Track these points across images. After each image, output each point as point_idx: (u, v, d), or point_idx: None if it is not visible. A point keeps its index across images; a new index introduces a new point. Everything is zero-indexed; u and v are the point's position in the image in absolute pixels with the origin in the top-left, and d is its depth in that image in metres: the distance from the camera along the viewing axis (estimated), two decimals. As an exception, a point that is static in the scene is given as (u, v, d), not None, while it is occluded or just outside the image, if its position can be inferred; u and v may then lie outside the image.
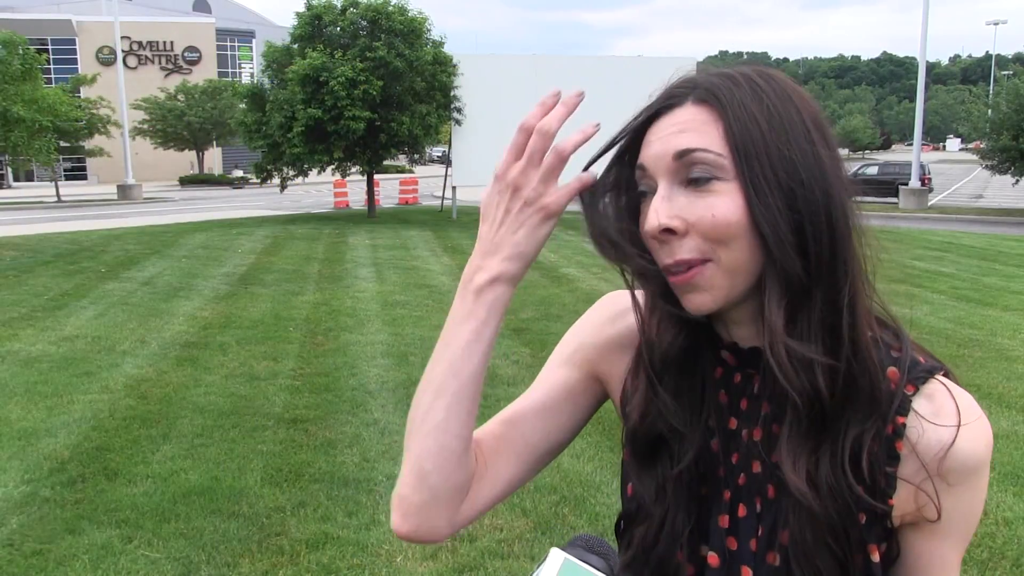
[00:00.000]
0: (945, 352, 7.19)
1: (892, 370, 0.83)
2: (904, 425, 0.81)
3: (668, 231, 0.78)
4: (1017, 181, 25.48)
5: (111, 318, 8.79)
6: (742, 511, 0.85)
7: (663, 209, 0.78)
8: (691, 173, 0.78)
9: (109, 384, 6.26)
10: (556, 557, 0.72)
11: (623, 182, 0.86)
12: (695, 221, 0.77)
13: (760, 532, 0.84)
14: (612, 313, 0.97)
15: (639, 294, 0.90)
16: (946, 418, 0.80)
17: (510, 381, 6.27)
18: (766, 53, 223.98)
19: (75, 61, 49.59)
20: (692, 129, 0.78)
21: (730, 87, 0.79)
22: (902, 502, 0.81)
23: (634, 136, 0.84)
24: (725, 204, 0.76)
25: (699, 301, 0.80)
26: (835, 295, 0.79)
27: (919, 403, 0.81)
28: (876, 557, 0.82)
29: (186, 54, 53.84)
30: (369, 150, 21.25)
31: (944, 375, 0.84)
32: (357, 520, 3.96)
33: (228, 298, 10.04)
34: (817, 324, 0.79)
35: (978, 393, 5.94)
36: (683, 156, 0.78)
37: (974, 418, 0.81)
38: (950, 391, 0.82)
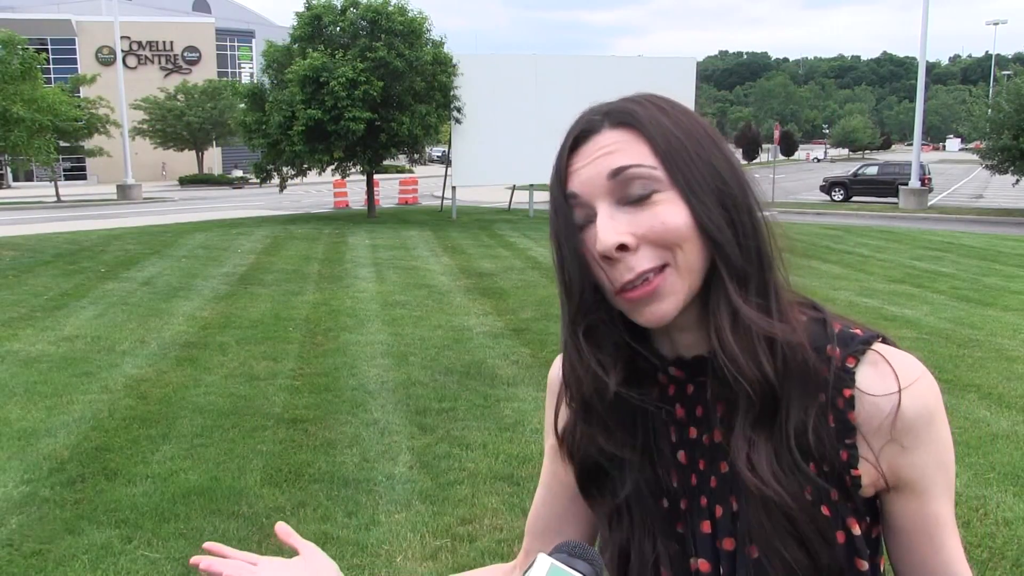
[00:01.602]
0: (945, 352, 7.19)
1: (832, 347, 0.85)
2: (853, 397, 0.83)
3: (622, 248, 0.80)
4: (1017, 181, 25.46)
5: (111, 318, 8.79)
6: (719, 512, 0.88)
7: (611, 228, 0.80)
8: (629, 190, 0.81)
9: (109, 384, 6.26)
10: (543, 562, 0.72)
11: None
12: (644, 233, 0.80)
13: (739, 527, 0.86)
14: (555, 389, 1.01)
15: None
16: (888, 384, 0.83)
17: (510, 381, 6.27)
18: (766, 53, 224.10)
19: (75, 61, 49.56)
20: (619, 149, 0.82)
21: (639, 109, 0.84)
22: (868, 471, 0.84)
23: (559, 171, 0.86)
24: (670, 211, 0.80)
25: (661, 311, 0.82)
26: (763, 274, 0.84)
27: (862, 373, 0.84)
28: (857, 531, 0.84)
29: (186, 54, 53.82)
30: (369, 150, 21.24)
31: (882, 341, 0.87)
32: (357, 520, 3.96)
33: (228, 298, 10.04)
34: (754, 304, 0.83)
35: (978, 393, 5.96)
36: (618, 174, 0.81)
37: (915, 377, 0.84)
38: (887, 357, 0.85)
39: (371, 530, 3.85)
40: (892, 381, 0.83)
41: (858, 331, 0.87)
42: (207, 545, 1.02)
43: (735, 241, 0.82)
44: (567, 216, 0.84)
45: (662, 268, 0.81)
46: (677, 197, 0.81)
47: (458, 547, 3.68)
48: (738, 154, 0.89)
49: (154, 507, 4.08)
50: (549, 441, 1.03)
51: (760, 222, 0.85)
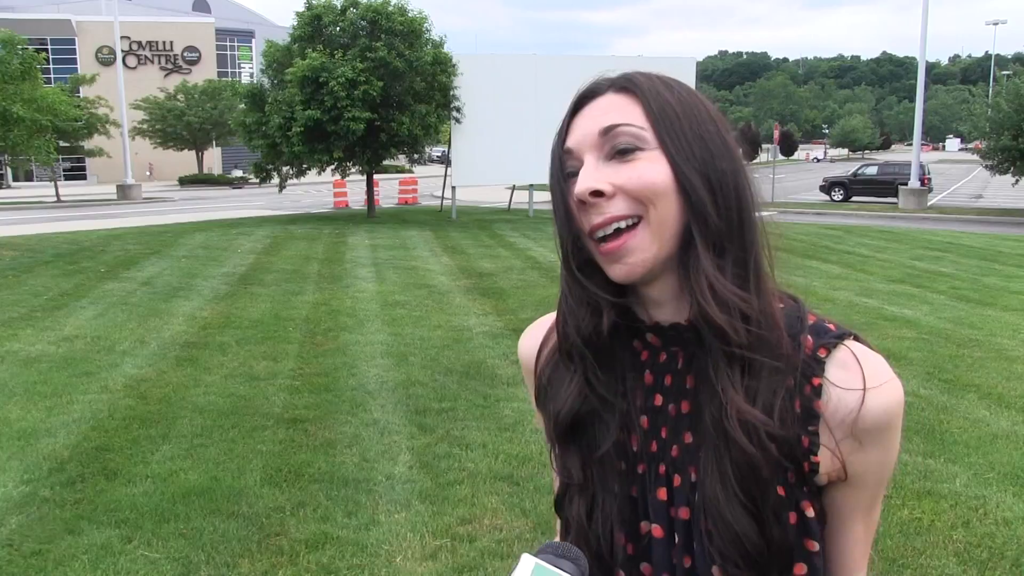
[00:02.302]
0: (945, 352, 7.19)
1: (805, 337, 0.88)
2: (820, 386, 0.86)
3: (597, 193, 0.85)
4: (1017, 181, 25.46)
5: (111, 318, 8.79)
6: (677, 482, 0.89)
7: (591, 175, 0.86)
8: (616, 145, 0.86)
9: (109, 384, 6.26)
10: (527, 562, 0.73)
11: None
12: (622, 183, 0.85)
13: (696, 499, 0.88)
14: (525, 364, 1.05)
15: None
16: (854, 382, 0.85)
17: (510, 381, 6.27)
18: (766, 53, 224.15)
19: (75, 61, 49.54)
20: (614, 110, 0.87)
21: (642, 79, 0.89)
22: (827, 459, 0.86)
23: (561, 129, 0.92)
24: (650, 168, 0.85)
25: (629, 266, 0.86)
26: (743, 253, 0.87)
27: (831, 367, 0.86)
28: (811, 512, 0.87)
29: (186, 54, 53.80)
30: (369, 150, 21.23)
31: (854, 339, 0.89)
32: (357, 520, 3.96)
33: (228, 298, 10.04)
34: (731, 275, 0.86)
35: (978, 393, 5.96)
36: (608, 131, 0.86)
37: (882, 380, 0.86)
38: (857, 356, 0.87)
39: (371, 530, 3.85)
40: (859, 378, 0.85)
41: (832, 326, 0.89)
42: None
43: (714, 207, 0.85)
44: (560, 167, 0.90)
45: (635, 224, 0.85)
46: (661, 157, 0.85)
47: (458, 547, 3.68)
48: None
49: (154, 507, 4.08)
50: (538, 421, 1.05)
51: (747, 203, 0.87)
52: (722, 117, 0.89)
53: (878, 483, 0.90)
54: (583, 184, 0.85)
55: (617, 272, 0.87)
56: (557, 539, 0.91)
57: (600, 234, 0.85)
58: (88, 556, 3.60)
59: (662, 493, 0.90)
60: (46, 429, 5.25)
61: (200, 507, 4.10)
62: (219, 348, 7.41)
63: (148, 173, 48.30)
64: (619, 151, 0.85)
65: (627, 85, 0.89)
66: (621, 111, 0.87)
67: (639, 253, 0.85)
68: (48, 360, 7.00)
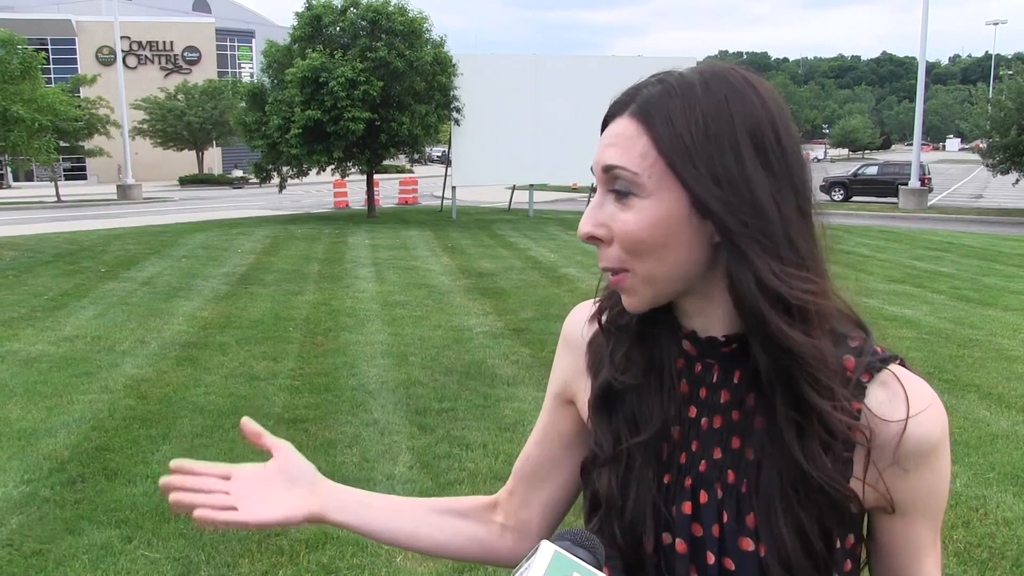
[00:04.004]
0: (945, 352, 7.19)
1: (848, 359, 0.85)
2: (860, 411, 0.83)
3: (594, 238, 0.85)
4: (1017, 181, 25.45)
5: (111, 318, 8.79)
6: (703, 498, 0.87)
7: (591, 217, 0.85)
8: (616, 186, 0.84)
9: (109, 384, 6.26)
10: (546, 549, 0.73)
11: None
12: (616, 233, 0.84)
13: (725, 519, 0.85)
14: (569, 336, 1.03)
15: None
16: (898, 406, 0.83)
17: (510, 381, 6.27)
18: (766, 53, 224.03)
19: (75, 61, 49.53)
20: (619, 144, 0.84)
21: (664, 101, 0.82)
22: (859, 488, 0.84)
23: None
24: (636, 220, 0.82)
25: (627, 303, 0.87)
26: (779, 276, 0.81)
27: (873, 391, 0.84)
28: (837, 544, 0.84)
29: (186, 54, 53.79)
30: (369, 150, 21.23)
31: (899, 364, 0.86)
32: (357, 520, 3.95)
33: (228, 298, 10.04)
34: (775, 290, 0.81)
35: (978, 393, 5.96)
36: (609, 171, 0.84)
37: (926, 405, 0.84)
38: (901, 379, 0.84)
39: (371, 530, 3.85)
40: (902, 405, 0.83)
41: (878, 349, 0.87)
42: (173, 464, 1.00)
43: (744, 226, 0.79)
44: (593, 184, 0.89)
45: (622, 271, 0.85)
46: (655, 205, 0.81)
47: (458, 547, 3.67)
48: None
49: (154, 507, 4.08)
50: (552, 389, 1.04)
51: (777, 222, 0.80)
52: (761, 133, 0.81)
53: (933, 514, 0.87)
54: (582, 228, 0.86)
55: (624, 302, 0.88)
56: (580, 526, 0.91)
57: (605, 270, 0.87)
58: (88, 556, 3.61)
59: (687, 507, 0.88)
60: (46, 429, 5.25)
61: (200, 507, 4.09)
62: (219, 348, 7.41)
63: (120, 176, 48.12)
64: (616, 193, 0.84)
65: (639, 113, 0.83)
66: (624, 147, 0.83)
67: (635, 296, 0.86)
68: (48, 360, 7.00)
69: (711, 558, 0.85)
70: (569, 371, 1.01)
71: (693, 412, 0.89)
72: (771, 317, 0.79)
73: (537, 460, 1.06)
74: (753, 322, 0.81)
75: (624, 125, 0.84)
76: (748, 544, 0.84)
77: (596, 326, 0.97)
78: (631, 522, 0.89)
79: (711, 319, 0.88)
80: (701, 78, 0.83)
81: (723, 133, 0.80)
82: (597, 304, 0.98)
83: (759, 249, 0.79)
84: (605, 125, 0.88)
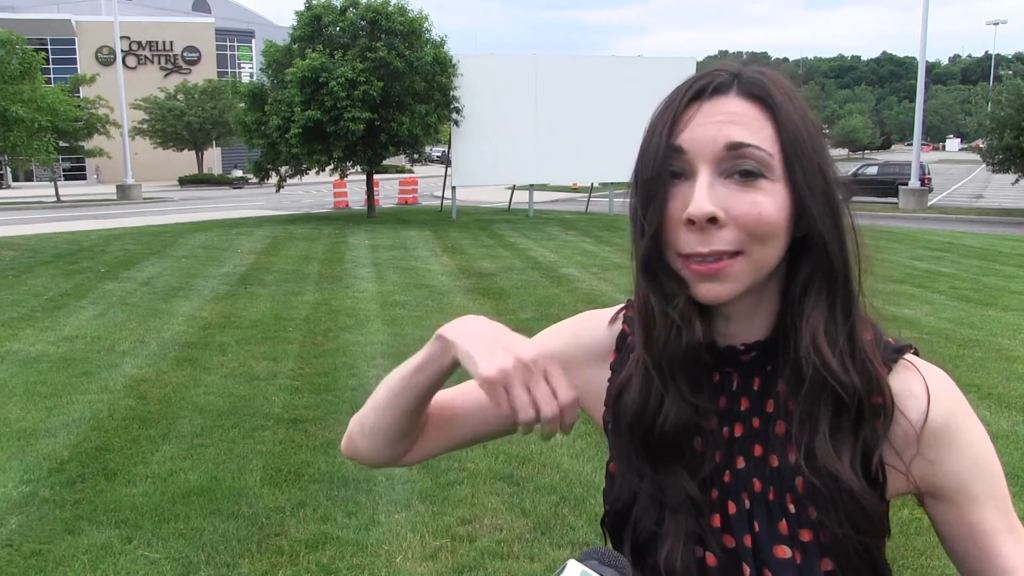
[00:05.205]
0: (945, 352, 7.19)
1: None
2: (883, 405, 0.83)
3: (711, 219, 0.78)
4: (1017, 180, 25.45)
5: (111, 318, 8.78)
6: (732, 508, 0.86)
7: (707, 196, 0.78)
8: (741, 166, 0.78)
9: (108, 384, 6.26)
10: (573, 568, 0.73)
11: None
12: (738, 215, 0.78)
13: (757, 528, 0.84)
14: (584, 326, 0.99)
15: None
16: (918, 396, 0.83)
17: (510, 381, 6.26)
18: (766, 53, 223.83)
19: (74, 61, 49.50)
20: (743, 124, 0.79)
21: (776, 88, 0.81)
22: (893, 480, 0.84)
23: (671, 118, 0.82)
24: (771, 203, 0.78)
25: (716, 291, 0.80)
26: (850, 297, 0.84)
27: (893, 384, 0.84)
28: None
29: (185, 54, 53.77)
30: (369, 150, 21.23)
31: (913, 353, 0.87)
32: (356, 520, 3.95)
33: (228, 298, 10.03)
34: (842, 325, 0.82)
35: (978, 393, 5.96)
36: (736, 149, 0.78)
37: (941, 388, 0.84)
38: (919, 369, 0.85)
39: (371, 530, 3.85)
40: (921, 394, 0.83)
41: (891, 340, 0.87)
42: None
43: (839, 250, 0.81)
44: (663, 165, 0.80)
45: (737, 253, 0.79)
46: (782, 190, 0.79)
47: (458, 547, 3.67)
48: None
49: (154, 507, 4.08)
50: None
51: (851, 237, 0.83)
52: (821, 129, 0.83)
53: (984, 492, 0.85)
54: (702, 207, 0.77)
55: (704, 292, 0.80)
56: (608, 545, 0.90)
57: (697, 256, 0.80)
58: (88, 556, 3.60)
59: (716, 520, 0.86)
60: (46, 429, 5.25)
61: (200, 507, 4.10)
62: (219, 348, 7.40)
63: (96, 177, 48.03)
64: (741, 173, 0.78)
65: (760, 93, 0.80)
66: (752, 127, 0.79)
67: (733, 283, 0.80)
68: (48, 360, 6.99)
69: (747, 570, 0.84)
70: (574, 361, 0.95)
71: (713, 423, 0.87)
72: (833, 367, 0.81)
73: (450, 402, 1.00)
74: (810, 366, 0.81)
75: (741, 104, 0.80)
76: (784, 552, 0.83)
77: (619, 348, 0.93)
78: (666, 557, 0.86)
79: (752, 324, 0.86)
80: (772, 75, 0.83)
81: (813, 127, 0.82)
82: (631, 335, 0.93)
83: (843, 257, 0.82)
84: (693, 99, 0.81)
